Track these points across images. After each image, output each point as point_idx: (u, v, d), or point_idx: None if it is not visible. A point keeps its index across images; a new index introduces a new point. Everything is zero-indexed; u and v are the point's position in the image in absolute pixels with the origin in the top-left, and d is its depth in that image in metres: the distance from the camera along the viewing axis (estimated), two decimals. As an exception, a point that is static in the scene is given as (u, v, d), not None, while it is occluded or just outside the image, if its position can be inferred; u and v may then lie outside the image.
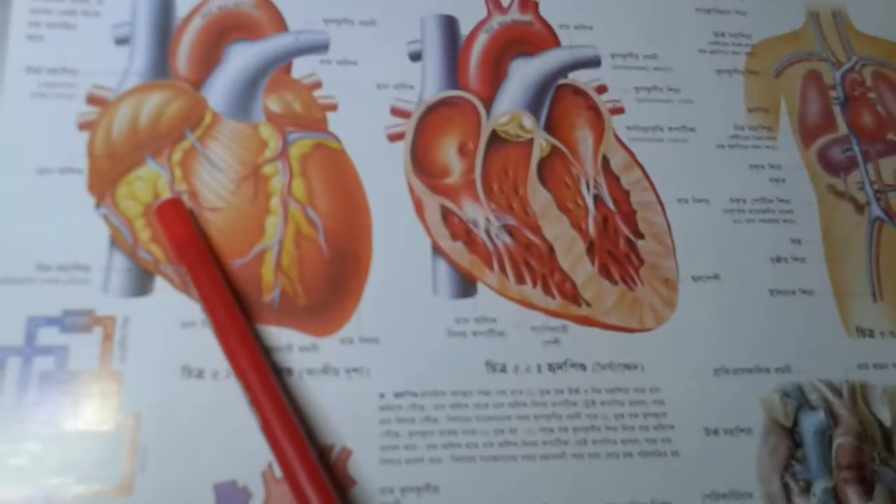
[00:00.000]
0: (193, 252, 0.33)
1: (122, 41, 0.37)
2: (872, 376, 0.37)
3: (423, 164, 0.38)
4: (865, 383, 0.37)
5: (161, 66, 0.37)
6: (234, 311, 0.32)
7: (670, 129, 0.41)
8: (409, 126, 0.39)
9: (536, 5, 0.42)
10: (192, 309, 0.34)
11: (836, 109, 0.43)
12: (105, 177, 0.35)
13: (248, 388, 0.30)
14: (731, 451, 0.35)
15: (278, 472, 0.31)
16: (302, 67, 0.39)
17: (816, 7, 0.46)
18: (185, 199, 0.35)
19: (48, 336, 0.32)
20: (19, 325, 0.32)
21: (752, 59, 0.43)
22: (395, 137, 0.38)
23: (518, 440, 0.34)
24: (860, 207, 0.41)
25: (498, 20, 0.42)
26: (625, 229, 0.38)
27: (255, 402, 0.30)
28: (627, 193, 0.39)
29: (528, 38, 0.42)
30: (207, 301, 0.32)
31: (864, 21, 0.46)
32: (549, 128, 0.40)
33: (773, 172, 0.41)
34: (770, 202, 0.40)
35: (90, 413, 0.31)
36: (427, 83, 0.40)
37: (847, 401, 0.36)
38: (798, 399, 0.36)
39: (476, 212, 0.38)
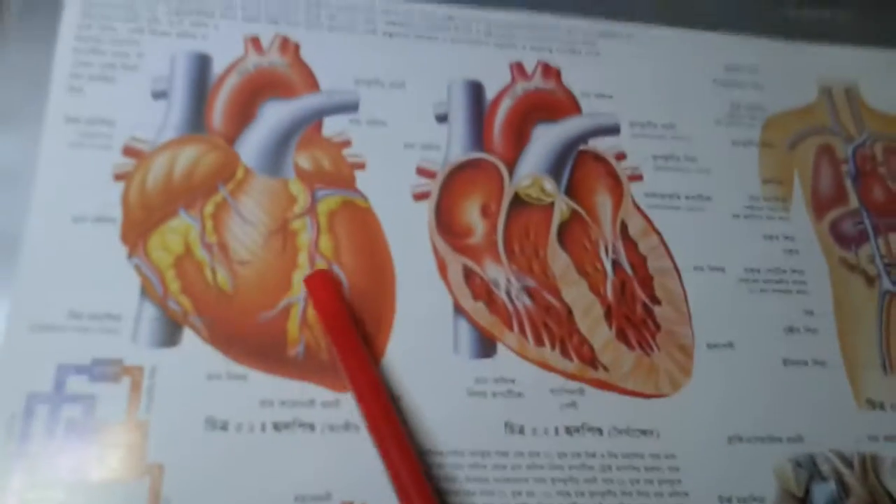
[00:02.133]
0: (339, 326, 0.34)
1: (159, 95, 0.39)
2: (883, 448, 0.38)
3: (446, 224, 0.39)
4: (876, 455, 0.37)
5: (197, 120, 0.38)
6: (379, 387, 0.33)
7: (687, 197, 0.42)
8: (434, 186, 0.40)
9: (559, 73, 0.44)
10: (217, 361, 0.34)
11: (848, 183, 0.44)
12: (138, 227, 0.36)
13: (393, 473, 0.31)
14: (744, 520, 0.35)
15: (299, 528, 0.32)
16: (332, 126, 0.40)
17: (829, 83, 0.47)
18: (215, 250, 0.36)
19: (77, 385, 0.32)
20: (49, 373, 0.32)
21: (766, 132, 0.45)
22: (420, 196, 0.39)
23: (535, 503, 0.34)
24: (871, 280, 0.42)
25: (522, 86, 0.43)
26: (642, 294, 0.39)
27: (399, 489, 0.31)
28: (645, 259, 0.40)
29: (551, 104, 0.43)
30: (352, 375, 0.33)
31: (876, 98, 0.47)
32: (570, 192, 0.41)
33: (786, 244, 0.42)
34: (784, 273, 0.41)
35: (115, 463, 0.32)
36: (452, 144, 0.41)
37: (858, 472, 0.37)
38: (810, 469, 0.37)
39: (497, 272, 0.38)
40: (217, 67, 0.40)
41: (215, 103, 0.39)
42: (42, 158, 0.36)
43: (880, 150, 0.46)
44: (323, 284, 0.35)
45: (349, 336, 0.34)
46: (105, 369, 0.33)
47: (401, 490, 0.31)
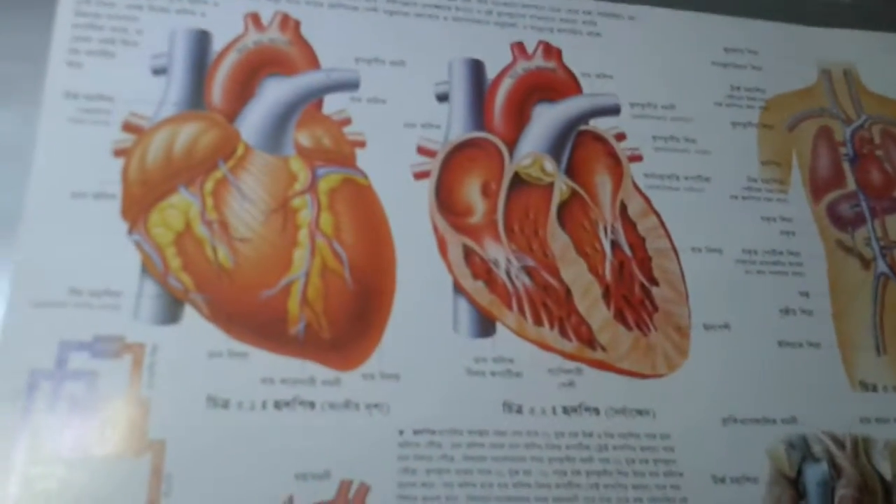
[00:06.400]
0: None
1: (159, 71, 0.38)
2: (875, 430, 0.38)
3: (447, 203, 0.39)
4: (868, 437, 0.38)
5: (196, 97, 0.38)
6: None
7: (686, 178, 0.42)
8: (434, 165, 0.40)
9: (560, 53, 0.44)
10: (219, 338, 0.34)
11: (846, 165, 0.45)
12: (138, 203, 0.36)
13: None
14: (737, 499, 0.36)
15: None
16: (333, 104, 0.40)
17: (829, 65, 0.47)
18: (216, 227, 0.36)
19: (79, 361, 0.33)
20: (51, 349, 0.33)
21: (766, 114, 0.45)
22: (420, 175, 0.39)
23: (532, 482, 0.34)
24: (867, 263, 0.42)
25: (523, 66, 0.43)
26: (640, 275, 0.39)
27: None
28: (643, 240, 0.40)
29: (552, 84, 0.43)
30: None
31: (873, 81, 0.47)
32: (570, 172, 0.41)
33: (784, 225, 0.42)
34: (780, 254, 0.41)
35: (117, 439, 0.32)
36: (453, 124, 0.41)
37: (849, 453, 0.37)
38: (802, 450, 0.37)
39: (497, 252, 0.38)
40: (217, 44, 0.39)
41: (215, 80, 0.39)
42: (41, 134, 0.36)
43: (878, 132, 0.46)
44: None
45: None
46: (107, 346, 0.33)
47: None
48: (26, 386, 0.32)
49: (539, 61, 0.43)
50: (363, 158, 0.39)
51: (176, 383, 0.33)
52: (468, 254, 0.38)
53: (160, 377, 0.33)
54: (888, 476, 0.37)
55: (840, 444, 0.38)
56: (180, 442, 0.32)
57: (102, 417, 0.32)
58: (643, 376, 0.37)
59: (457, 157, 0.40)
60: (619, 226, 0.40)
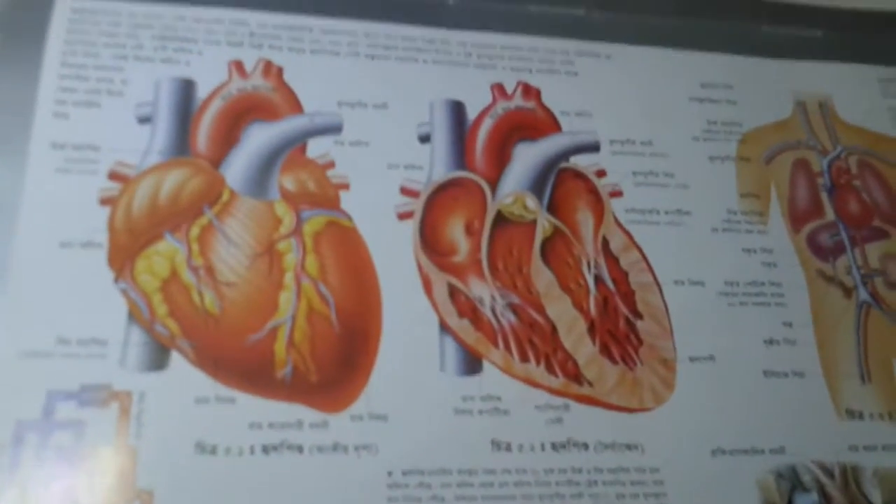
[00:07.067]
0: None
1: (144, 120, 0.39)
2: (863, 458, 0.38)
3: (431, 242, 0.39)
4: (856, 465, 0.38)
5: (181, 144, 0.39)
6: None
7: (666, 212, 0.43)
8: (417, 205, 0.40)
9: (539, 93, 0.44)
10: (206, 384, 0.34)
11: (824, 196, 0.45)
12: (124, 251, 0.36)
13: None
14: (728, 531, 0.36)
15: (289, 549, 0.32)
16: (316, 148, 0.40)
17: (803, 97, 0.48)
18: (202, 273, 0.36)
19: (66, 411, 0.33)
20: (38, 400, 0.33)
21: (743, 147, 0.46)
22: (404, 216, 0.40)
23: (523, 519, 0.34)
24: (848, 291, 0.43)
25: (502, 106, 0.43)
26: (624, 309, 0.40)
27: None
28: (626, 274, 0.41)
29: (531, 123, 0.44)
30: None
31: (848, 112, 0.48)
32: (552, 209, 0.41)
33: (764, 256, 0.43)
34: (762, 285, 0.42)
35: (105, 489, 0.32)
36: (435, 164, 0.41)
37: (839, 482, 0.38)
38: (792, 480, 0.37)
39: (482, 290, 0.39)
40: (201, 92, 0.40)
41: (200, 127, 0.39)
42: (28, 185, 0.36)
43: (854, 162, 0.46)
44: None
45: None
46: (94, 395, 0.33)
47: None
48: (13, 437, 0.32)
49: (518, 101, 0.44)
50: (347, 200, 0.39)
51: (163, 431, 0.33)
52: (453, 292, 0.38)
53: (148, 425, 0.33)
54: (878, 504, 0.38)
55: (829, 473, 0.38)
56: (169, 490, 0.32)
57: (90, 467, 0.32)
58: (630, 410, 0.38)
59: (440, 197, 0.40)
60: (601, 261, 0.41)
